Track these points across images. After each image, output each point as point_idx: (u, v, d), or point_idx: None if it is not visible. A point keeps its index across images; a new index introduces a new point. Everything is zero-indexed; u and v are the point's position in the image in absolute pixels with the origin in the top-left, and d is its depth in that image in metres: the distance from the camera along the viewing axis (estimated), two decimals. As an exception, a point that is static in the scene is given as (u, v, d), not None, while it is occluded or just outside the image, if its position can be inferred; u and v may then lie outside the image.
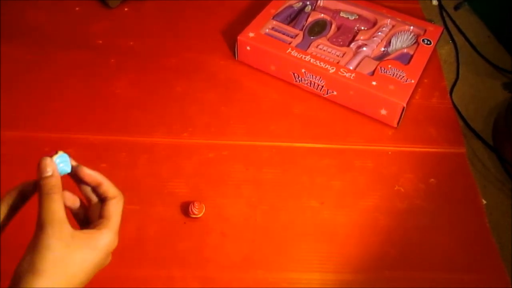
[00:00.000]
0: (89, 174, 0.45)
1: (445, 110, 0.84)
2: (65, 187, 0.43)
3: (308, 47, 0.85)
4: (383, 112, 0.79)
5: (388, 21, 0.91)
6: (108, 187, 0.45)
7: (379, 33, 0.88)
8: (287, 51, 0.83)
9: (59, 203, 0.41)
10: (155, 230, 0.66)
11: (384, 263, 0.64)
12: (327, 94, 0.83)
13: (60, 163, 0.43)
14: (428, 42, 0.86)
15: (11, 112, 0.79)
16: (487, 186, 0.75)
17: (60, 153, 0.44)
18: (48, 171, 0.42)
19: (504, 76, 0.92)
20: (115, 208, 0.44)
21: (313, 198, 0.71)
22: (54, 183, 0.41)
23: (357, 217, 0.69)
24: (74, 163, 0.45)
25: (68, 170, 0.44)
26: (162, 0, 1.01)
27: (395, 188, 0.72)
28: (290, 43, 0.85)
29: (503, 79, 0.92)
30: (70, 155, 0.44)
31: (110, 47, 0.91)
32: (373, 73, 0.80)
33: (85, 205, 0.46)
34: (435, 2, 1.05)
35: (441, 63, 0.92)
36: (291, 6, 0.93)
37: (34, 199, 0.42)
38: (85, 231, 0.42)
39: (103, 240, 0.41)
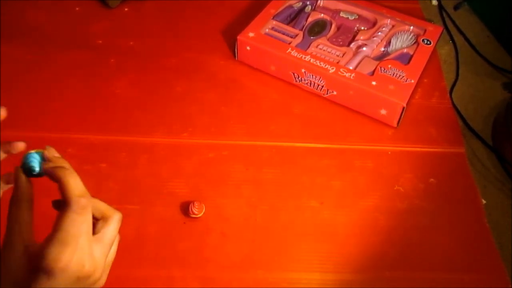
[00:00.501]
0: (48, 168, 0.39)
1: (444, 110, 0.84)
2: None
3: (308, 47, 0.85)
4: (383, 112, 0.79)
5: (388, 21, 0.91)
6: (67, 189, 0.37)
7: (379, 33, 0.88)
8: (287, 51, 0.83)
9: (18, 212, 0.38)
10: (155, 230, 0.66)
11: (384, 263, 0.64)
12: (327, 94, 0.83)
13: (26, 165, 0.39)
14: (428, 42, 0.86)
15: (11, 112, 0.79)
16: (487, 186, 0.75)
17: (29, 153, 0.40)
18: (14, 181, 0.39)
19: (504, 76, 0.92)
20: (62, 220, 0.36)
21: (313, 198, 0.71)
22: (14, 193, 0.38)
23: (357, 217, 0.69)
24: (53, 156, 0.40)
25: (35, 171, 0.40)
26: (162, 0, 1.01)
27: (395, 188, 0.72)
28: (290, 43, 0.85)
29: (502, 79, 0.92)
30: (42, 151, 0.41)
31: (110, 47, 0.91)
32: (373, 73, 0.80)
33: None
34: (434, 2, 1.05)
35: (441, 63, 0.92)
36: (291, 6, 0.93)
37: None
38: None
39: (39, 259, 0.36)
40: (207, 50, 0.91)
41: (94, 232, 0.39)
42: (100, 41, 0.92)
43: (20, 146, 0.43)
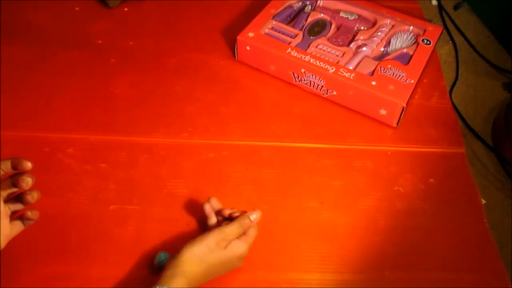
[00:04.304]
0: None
1: (444, 110, 0.84)
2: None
3: (308, 47, 0.85)
4: (383, 112, 0.79)
5: (388, 21, 0.91)
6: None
7: (379, 33, 0.88)
8: (287, 51, 0.83)
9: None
10: (155, 230, 0.66)
11: (384, 263, 0.64)
12: (326, 94, 0.83)
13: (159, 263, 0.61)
14: (428, 42, 0.86)
15: (11, 112, 0.79)
16: (487, 186, 0.75)
17: (161, 253, 0.62)
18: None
19: (504, 76, 0.92)
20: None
21: (313, 198, 0.71)
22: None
23: (357, 217, 0.69)
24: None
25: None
26: (162, 0, 1.01)
27: (395, 188, 0.72)
28: (289, 43, 0.85)
29: (503, 79, 0.92)
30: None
31: (110, 47, 0.91)
32: (372, 73, 0.80)
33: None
34: (434, 2, 1.06)
35: (441, 63, 0.92)
36: (290, 6, 0.93)
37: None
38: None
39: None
40: (207, 50, 0.91)
41: None
42: (100, 41, 0.92)
43: (29, 165, 0.53)
